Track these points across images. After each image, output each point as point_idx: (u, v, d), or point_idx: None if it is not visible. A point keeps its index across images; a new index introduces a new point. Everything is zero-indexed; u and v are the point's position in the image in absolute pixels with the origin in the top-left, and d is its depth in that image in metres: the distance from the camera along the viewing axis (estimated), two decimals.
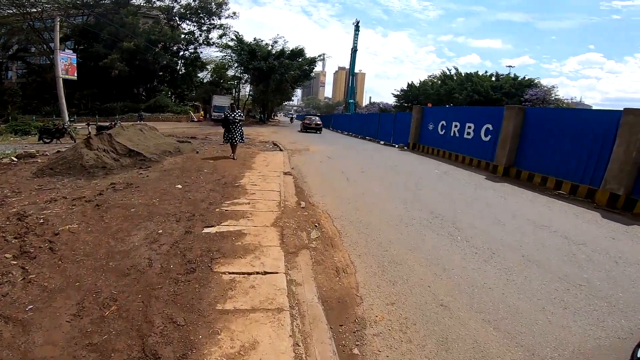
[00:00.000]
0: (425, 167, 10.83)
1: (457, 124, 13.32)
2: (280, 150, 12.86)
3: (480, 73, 46.31)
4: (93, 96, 36.23)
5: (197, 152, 10.73)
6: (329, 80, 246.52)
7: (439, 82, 56.14)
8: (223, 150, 11.51)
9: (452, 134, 13.66)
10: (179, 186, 6.04)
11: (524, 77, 41.19)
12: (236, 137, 9.74)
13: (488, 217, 5.54)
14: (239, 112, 9.86)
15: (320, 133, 27.43)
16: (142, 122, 34.37)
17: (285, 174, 7.66)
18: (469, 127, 12.58)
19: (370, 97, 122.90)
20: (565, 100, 38.46)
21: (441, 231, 4.77)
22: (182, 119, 37.40)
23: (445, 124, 14.23)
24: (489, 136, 11.52)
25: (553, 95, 38.57)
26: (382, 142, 20.57)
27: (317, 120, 29.31)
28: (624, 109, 7.45)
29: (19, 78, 41.50)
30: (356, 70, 63.65)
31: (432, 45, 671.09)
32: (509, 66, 65.01)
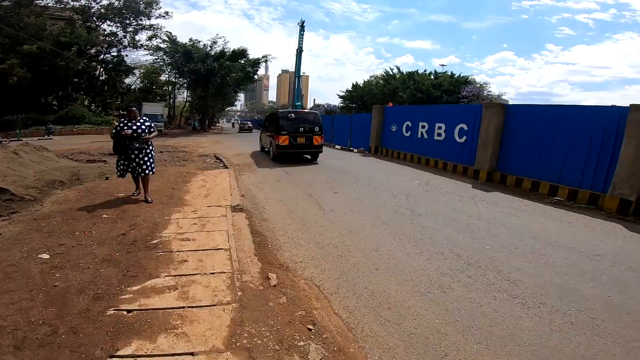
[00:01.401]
0: (402, 177, 9.23)
1: (425, 124, 12.07)
2: (225, 166, 10.40)
3: (420, 72, 48.27)
4: None
5: (107, 179, 7.87)
6: (272, 84, 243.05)
7: (382, 81, 57.60)
8: None
9: (419, 136, 12.37)
10: (45, 255, 3.49)
11: (460, 75, 43.66)
12: (140, 164, 5.69)
13: (528, 253, 3.98)
14: (144, 121, 5.74)
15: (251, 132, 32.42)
16: (49, 137, 28.99)
17: (234, 209, 5.36)
18: (439, 128, 11.35)
19: (314, 99, 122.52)
20: (494, 96, 41.28)
21: (500, 293, 3.00)
22: (103, 131, 32.20)
23: (410, 125, 12.93)
24: (464, 137, 10.34)
25: (485, 91, 41.31)
26: (337, 147, 18.95)
27: (249, 124, 41.39)
28: (631, 105, 6.53)
29: None
30: (301, 73, 62.20)
31: (371, 47, 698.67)
32: (442, 65, 68.81)
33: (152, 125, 5.95)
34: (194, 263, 3.46)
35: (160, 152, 14.75)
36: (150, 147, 5.91)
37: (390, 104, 17.69)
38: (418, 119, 12.45)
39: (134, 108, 5.84)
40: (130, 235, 4.09)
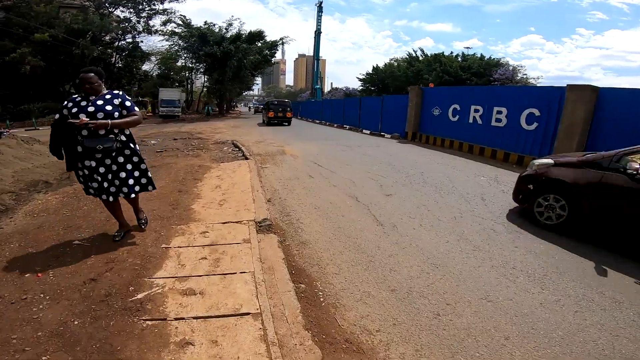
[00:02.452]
0: (462, 172, 7.46)
1: (479, 108, 10.15)
2: (245, 157, 8.90)
3: (445, 54, 46.20)
4: (4, 98, 29.22)
5: None
6: (289, 68, 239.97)
7: (405, 64, 54.94)
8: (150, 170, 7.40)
9: (470, 121, 10.48)
10: None
11: (490, 57, 41.74)
12: (112, 180, 3.23)
13: None
14: (112, 97, 3.18)
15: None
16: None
17: (260, 226, 3.82)
18: (499, 113, 9.44)
19: (331, 83, 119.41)
20: (528, 80, 38.79)
21: None
22: None
23: (459, 108, 11.01)
24: (534, 124, 8.41)
25: (520, 74, 39.01)
26: (366, 132, 17.16)
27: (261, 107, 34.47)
28: None
29: None
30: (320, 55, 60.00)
31: (389, 30, 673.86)
32: (467, 47, 65.70)
33: (129, 101, 3.24)
34: (204, 349, 1.96)
35: (175, 139, 13.43)
36: (131, 146, 3.33)
37: (432, 85, 15.66)
38: (470, 101, 10.55)
39: (92, 74, 3.09)
40: (103, 281, 2.62)
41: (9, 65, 27.77)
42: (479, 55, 43.48)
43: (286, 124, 22.03)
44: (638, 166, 3.27)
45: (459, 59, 44.21)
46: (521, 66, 39.85)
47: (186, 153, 9.81)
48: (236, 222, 3.90)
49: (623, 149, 3.63)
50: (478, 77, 38.44)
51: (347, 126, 20.46)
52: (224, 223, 3.87)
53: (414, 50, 56.50)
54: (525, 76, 39.52)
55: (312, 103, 36.95)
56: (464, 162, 8.63)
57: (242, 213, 4.22)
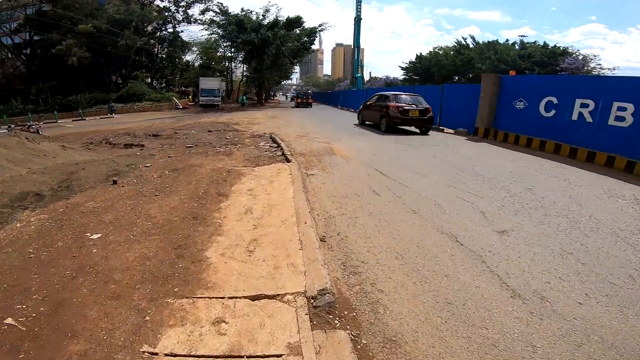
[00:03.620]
0: (584, 189, 5.30)
1: (589, 102, 7.71)
2: (285, 157, 7.32)
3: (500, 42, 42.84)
4: (53, 90, 30.30)
5: (115, 183, 5.26)
6: (326, 57, 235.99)
7: (453, 52, 51.15)
8: (180, 167, 6.04)
9: (574, 117, 8.07)
10: None
11: (555, 45, 38.81)
12: None
13: None
14: None
15: (310, 107, 30.58)
16: (111, 116, 28.81)
17: (315, 307, 2.17)
18: (622, 109, 7.00)
19: (370, 72, 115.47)
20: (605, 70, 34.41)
21: None
22: (163, 107, 31.62)
23: (556, 102, 8.60)
24: None
25: (594, 63, 34.97)
26: None
27: (308, 96, 34.70)
28: None
29: None
30: (353, 46, 57.57)
31: (430, 18, 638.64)
32: (522, 36, 60.11)
33: None
34: None
35: (209, 131, 12.27)
36: None
37: (512, 73, 13.06)
38: (573, 94, 8.11)
39: None
40: None
41: (56, 57, 28.52)
42: (541, 43, 39.78)
43: (309, 107, 31.76)
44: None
45: (516, 47, 41.27)
46: (594, 55, 35.37)
47: (217, 150, 8.45)
48: (274, 298, 2.26)
49: None
50: (541, 66, 35.70)
51: None
52: (253, 299, 2.25)
53: (463, 38, 52.44)
54: (598, 66, 35.30)
55: (355, 92, 34.81)
56: (574, 173, 6.38)
57: (284, 273, 2.57)
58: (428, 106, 11.69)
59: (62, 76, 30.87)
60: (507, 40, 44.69)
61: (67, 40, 27.87)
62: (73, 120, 26.22)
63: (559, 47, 38.12)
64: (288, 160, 6.95)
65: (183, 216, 3.90)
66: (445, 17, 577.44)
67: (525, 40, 43.15)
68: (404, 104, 11.40)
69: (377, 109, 12.27)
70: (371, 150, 8.14)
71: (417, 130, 11.69)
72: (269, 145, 8.92)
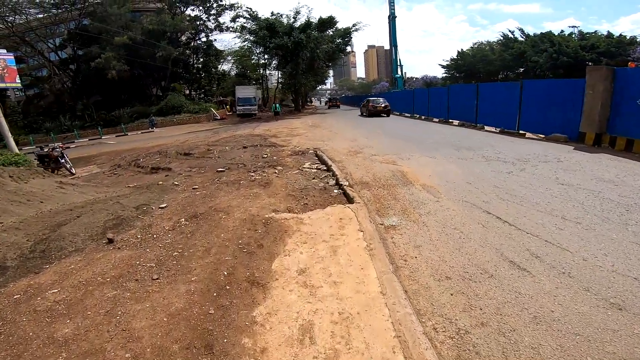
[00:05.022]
0: None
1: None
2: (343, 191, 5.30)
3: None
4: (98, 104, 31.06)
5: (111, 241, 3.63)
6: (359, 60, 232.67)
7: (499, 46, 47.25)
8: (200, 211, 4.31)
9: None
10: None
11: (621, 35, 35.97)
12: None
13: None
14: None
15: (387, 116, 22.45)
16: (152, 130, 28.67)
17: None
18: None
19: (405, 73, 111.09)
20: None
21: None
22: (201, 119, 31.23)
23: None
24: None
25: None
26: (490, 129, 12.32)
27: (383, 101, 23.60)
28: None
29: (17, 95, 37.52)
30: (386, 47, 55.26)
31: (463, 14, 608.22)
32: (573, 26, 54.73)
33: None
34: None
35: (244, 147, 10.64)
36: None
37: (632, 65, 10.28)
38: None
39: None
40: None
41: (98, 71, 28.79)
42: (604, 33, 36.01)
43: (337, 108, 36.67)
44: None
45: (574, 38, 38.11)
46: None
47: (252, 177, 6.64)
48: None
49: None
50: (609, 57, 32.64)
51: (455, 121, 15.64)
52: None
53: (510, 31, 48.04)
54: None
55: (398, 94, 32.23)
56: None
57: None
58: (387, 103, 23.11)
59: (105, 90, 31.50)
60: (562, 31, 40.48)
61: (105, 53, 28.27)
62: (116, 136, 26.41)
63: (625, 36, 35.16)
64: (349, 199, 4.92)
65: (186, 343, 2.04)
66: (479, 12, 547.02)
67: (575, 31, 39.62)
68: (374, 104, 23.07)
69: (364, 105, 24.69)
70: (460, 173, 5.88)
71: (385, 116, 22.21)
72: (316, 168, 6.97)
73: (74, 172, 10.71)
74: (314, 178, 6.20)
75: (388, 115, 23.13)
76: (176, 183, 6.93)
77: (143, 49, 30.18)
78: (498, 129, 12.06)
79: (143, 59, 30.77)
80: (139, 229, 4.37)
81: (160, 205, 5.32)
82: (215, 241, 3.77)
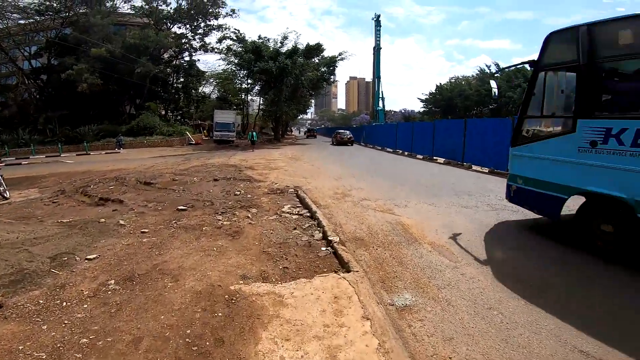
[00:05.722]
0: None
1: None
2: (335, 255, 4.16)
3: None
4: (63, 119, 28.72)
5: None
6: (340, 91, 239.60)
7: (476, 81, 49.27)
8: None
9: None
10: None
11: None
12: None
13: None
14: None
15: (351, 145, 28.20)
16: (118, 151, 26.62)
17: None
18: None
19: (384, 105, 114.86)
20: None
21: None
22: (174, 142, 29.51)
23: None
24: None
25: None
26: (484, 170, 11.70)
27: (349, 134, 30.45)
28: None
29: None
30: (367, 79, 56.87)
31: (440, 49, 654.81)
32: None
33: None
34: None
35: (215, 179, 9.35)
36: None
37: None
38: None
39: None
40: None
41: (68, 84, 27.01)
42: None
43: (314, 138, 43.13)
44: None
45: None
46: None
47: (219, 221, 5.39)
48: None
49: None
50: None
51: (439, 158, 15.16)
52: None
53: (487, 66, 50.31)
54: None
55: (380, 127, 32.25)
56: None
57: None
58: (351, 136, 29.38)
59: (74, 105, 29.31)
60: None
61: (78, 64, 26.54)
62: (77, 155, 24.17)
63: None
64: (343, 263, 3.77)
65: None
66: (456, 48, 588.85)
67: None
68: (341, 135, 29.17)
69: (334, 136, 30.21)
70: (470, 229, 4.91)
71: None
72: (298, 213, 5.81)
73: (7, 196, 9.00)
74: (295, 228, 5.03)
75: (351, 145, 28.78)
76: (122, 222, 5.57)
77: (121, 64, 28.69)
78: (487, 169, 11.52)
79: (120, 74, 29.20)
80: (46, 291, 3.13)
81: (89, 256, 4.01)
82: (150, 327, 2.53)
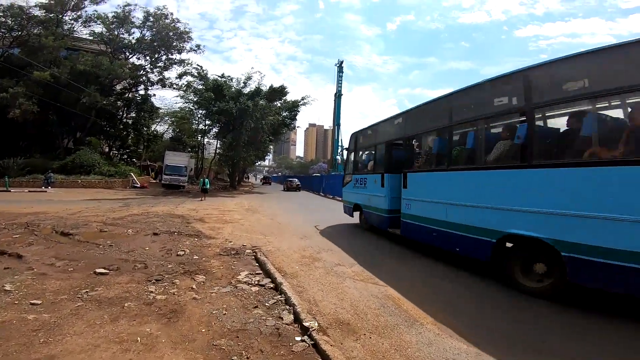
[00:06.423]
0: None
1: None
2: (312, 343, 3.04)
3: None
4: None
5: None
6: (299, 138, 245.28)
7: None
8: None
9: None
10: None
11: None
12: None
13: None
14: None
15: (298, 191, 34.69)
16: (45, 189, 23.19)
17: None
18: None
19: (342, 153, 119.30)
20: None
21: None
22: (115, 184, 26.53)
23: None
24: None
25: None
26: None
27: (297, 181, 38.31)
28: None
29: None
30: (326, 127, 58.64)
31: (394, 98, 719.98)
32: None
33: None
34: None
35: (155, 234, 7.73)
36: None
37: None
38: None
39: None
40: None
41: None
42: None
43: (269, 185, 51.16)
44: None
45: None
46: None
47: (150, 293, 4.02)
48: None
49: None
50: None
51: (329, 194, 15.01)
52: None
53: None
54: None
55: (340, 177, 32.62)
56: None
57: None
58: (299, 183, 37.33)
59: (1, 132, 25.63)
60: None
61: (14, 87, 23.54)
62: None
63: None
64: None
65: None
66: (407, 96, 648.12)
67: None
68: (291, 181, 37.61)
69: (285, 183, 38.88)
70: (469, 299, 4.08)
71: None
72: (258, 283, 4.57)
73: None
74: (256, 306, 3.80)
75: (299, 191, 35.13)
76: (8, 288, 3.99)
77: (66, 92, 26.09)
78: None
79: (62, 103, 26.37)
80: None
81: None
82: None
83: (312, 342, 3.06)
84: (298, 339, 3.14)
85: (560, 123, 4.46)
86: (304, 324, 3.35)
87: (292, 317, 3.58)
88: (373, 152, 8.93)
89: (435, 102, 6.41)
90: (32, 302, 3.63)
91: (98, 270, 4.78)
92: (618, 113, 3.95)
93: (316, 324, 3.34)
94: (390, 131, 8.06)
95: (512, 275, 4.48)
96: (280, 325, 3.39)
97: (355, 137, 10.13)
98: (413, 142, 7.22)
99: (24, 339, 2.86)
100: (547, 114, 4.74)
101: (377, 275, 5.07)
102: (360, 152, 9.92)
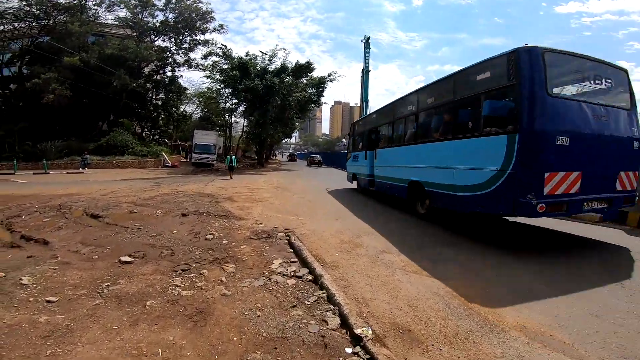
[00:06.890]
0: None
1: None
2: (369, 358, 2.45)
3: None
4: (24, 133, 25.81)
5: None
6: (325, 116, 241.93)
7: None
8: None
9: None
10: None
11: None
12: None
13: None
14: None
15: (320, 166, 37.43)
16: (82, 170, 24.07)
17: None
18: None
19: None
20: None
21: None
22: (148, 164, 27.13)
23: None
24: None
25: None
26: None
27: (319, 157, 42.35)
28: None
29: None
30: (352, 104, 56.98)
31: (422, 75, 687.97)
32: None
33: None
34: None
35: (183, 214, 7.37)
36: None
37: None
38: None
39: None
40: None
41: (33, 94, 24.34)
42: None
43: (294, 161, 54.13)
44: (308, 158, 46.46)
45: None
46: None
47: (175, 287, 3.55)
48: None
49: None
50: None
51: None
52: None
53: None
54: None
55: (336, 155, 33.32)
56: None
57: None
58: (320, 159, 41.64)
59: (37, 117, 26.54)
60: None
61: (47, 73, 24.13)
62: (34, 174, 21.43)
63: None
64: None
65: None
66: (437, 72, 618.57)
67: None
68: (314, 157, 42.48)
69: (308, 159, 44.55)
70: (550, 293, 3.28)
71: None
72: (294, 274, 3.98)
73: None
74: (294, 305, 3.22)
75: (320, 166, 38.45)
76: (25, 281, 3.67)
77: (96, 76, 26.56)
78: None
79: (94, 87, 26.99)
80: None
81: None
82: None
83: (368, 357, 2.45)
84: (349, 350, 2.54)
85: (428, 120, 7.32)
86: (355, 330, 2.72)
87: (338, 320, 2.97)
88: (363, 136, 12.22)
89: (386, 106, 10.17)
90: (48, 299, 3.26)
91: (123, 259, 4.40)
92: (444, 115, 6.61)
93: (370, 331, 2.71)
94: (371, 122, 11.52)
95: (415, 207, 7.58)
96: (326, 331, 2.78)
97: (353, 126, 14.33)
98: (379, 130, 10.54)
99: (29, 349, 2.44)
100: (422, 116, 7.63)
101: (432, 266, 4.31)
102: (356, 137, 13.43)
